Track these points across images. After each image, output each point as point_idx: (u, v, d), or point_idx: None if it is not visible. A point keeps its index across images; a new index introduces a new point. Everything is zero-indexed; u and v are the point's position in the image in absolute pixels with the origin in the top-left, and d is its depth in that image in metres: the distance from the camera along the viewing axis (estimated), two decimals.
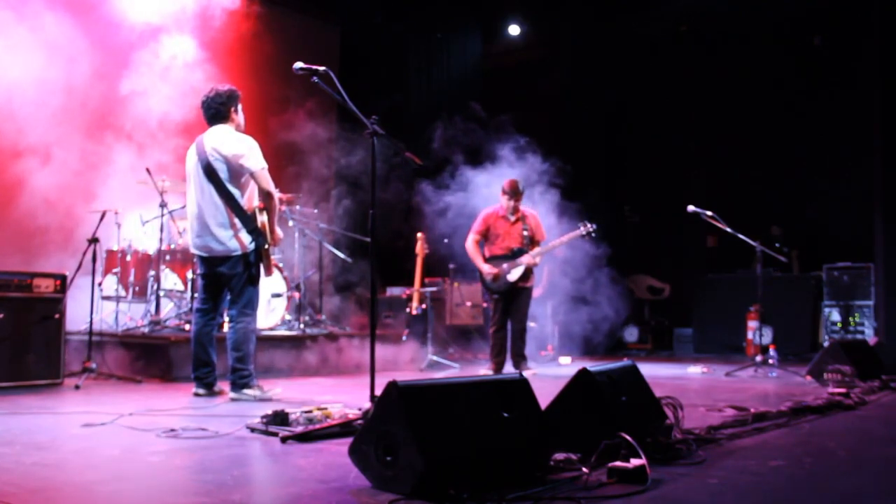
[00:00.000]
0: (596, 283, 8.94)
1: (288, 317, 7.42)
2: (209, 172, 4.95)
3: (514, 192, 7.04)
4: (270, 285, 7.06)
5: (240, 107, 5.19)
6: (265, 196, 5.05)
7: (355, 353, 7.30)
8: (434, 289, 8.40)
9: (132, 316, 7.28)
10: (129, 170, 7.46)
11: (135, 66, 7.78)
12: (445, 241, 8.62)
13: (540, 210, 7.75)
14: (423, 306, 8.09)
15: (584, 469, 2.67)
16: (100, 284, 6.79)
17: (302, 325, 7.46)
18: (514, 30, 12.28)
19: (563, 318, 9.24)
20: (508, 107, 9.07)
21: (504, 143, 8.28)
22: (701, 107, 11.12)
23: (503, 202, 7.10)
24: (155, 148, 7.71)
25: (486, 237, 7.21)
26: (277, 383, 5.49)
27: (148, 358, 6.33)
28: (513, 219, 7.12)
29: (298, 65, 3.99)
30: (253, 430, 3.63)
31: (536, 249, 7.09)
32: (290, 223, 7.81)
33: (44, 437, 3.54)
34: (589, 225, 7.09)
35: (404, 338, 7.99)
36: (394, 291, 9.16)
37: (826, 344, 8.16)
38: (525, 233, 7.09)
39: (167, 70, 7.85)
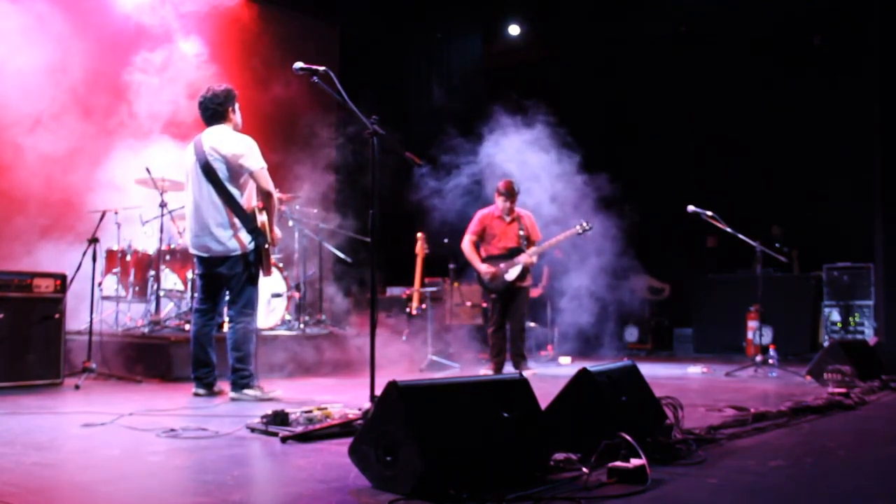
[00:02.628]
0: (596, 283, 8.93)
1: (288, 317, 7.42)
2: (208, 172, 4.94)
3: (510, 193, 7.05)
4: (270, 285, 7.06)
5: (237, 106, 5.17)
6: (264, 196, 5.05)
7: (355, 354, 7.29)
8: (434, 289, 8.39)
9: (132, 316, 7.28)
10: (129, 169, 7.46)
11: (134, 65, 7.79)
12: (445, 240, 8.61)
13: (538, 209, 7.74)
14: (423, 306, 8.09)
15: (584, 469, 2.67)
16: (100, 284, 6.78)
17: (302, 325, 7.46)
18: (514, 30, 12.27)
19: (563, 318, 9.23)
20: (508, 107, 9.06)
21: (503, 144, 8.26)
22: (701, 107, 11.10)
23: (499, 203, 7.11)
24: (154, 147, 7.71)
25: (482, 238, 7.21)
26: (277, 383, 5.49)
27: (148, 358, 6.32)
28: (508, 219, 7.13)
29: (298, 65, 3.99)
30: (253, 430, 3.63)
31: (533, 248, 7.09)
32: (290, 223, 7.80)
33: (44, 437, 3.54)
34: (585, 223, 7.09)
35: (404, 338, 7.98)
36: (394, 291, 9.15)
37: (826, 344, 8.15)
38: (521, 233, 7.09)
39: (166, 69, 7.85)
